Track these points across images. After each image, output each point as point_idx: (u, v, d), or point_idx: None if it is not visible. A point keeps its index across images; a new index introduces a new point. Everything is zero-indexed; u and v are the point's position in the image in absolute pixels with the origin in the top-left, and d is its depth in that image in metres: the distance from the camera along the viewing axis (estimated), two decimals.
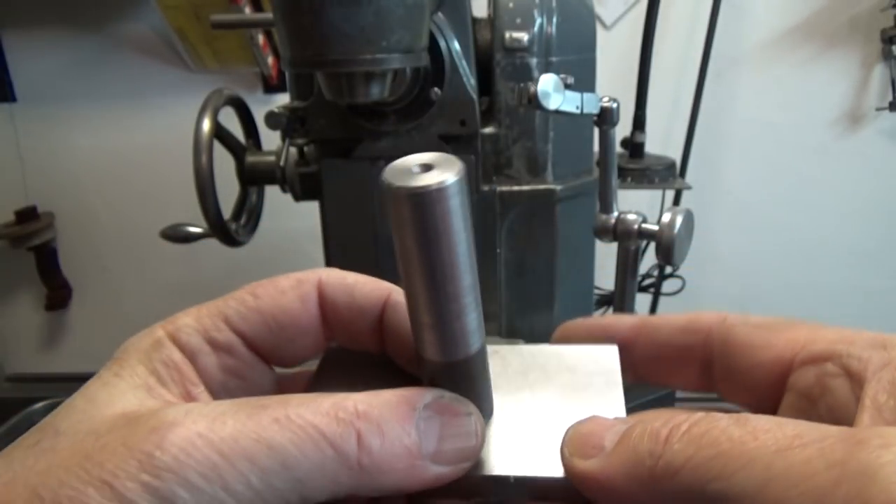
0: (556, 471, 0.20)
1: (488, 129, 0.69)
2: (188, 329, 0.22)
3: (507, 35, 0.67)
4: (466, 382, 0.21)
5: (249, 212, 0.78)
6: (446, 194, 0.17)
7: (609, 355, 0.24)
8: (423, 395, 0.20)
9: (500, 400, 0.22)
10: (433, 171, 0.18)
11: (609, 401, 0.23)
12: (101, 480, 0.16)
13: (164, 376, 0.21)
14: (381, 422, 0.19)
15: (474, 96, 0.65)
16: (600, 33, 0.74)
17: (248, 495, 0.17)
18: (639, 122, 1.08)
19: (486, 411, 0.22)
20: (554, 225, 0.72)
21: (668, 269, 1.27)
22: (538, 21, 0.67)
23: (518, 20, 0.67)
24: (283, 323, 0.23)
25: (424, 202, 0.17)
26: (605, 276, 0.76)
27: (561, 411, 0.22)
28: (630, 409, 0.52)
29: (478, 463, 0.20)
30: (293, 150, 0.72)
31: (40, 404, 0.67)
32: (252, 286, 0.23)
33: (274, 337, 0.23)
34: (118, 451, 0.17)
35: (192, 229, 0.74)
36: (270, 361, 0.24)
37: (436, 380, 0.21)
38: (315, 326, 0.23)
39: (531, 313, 0.76)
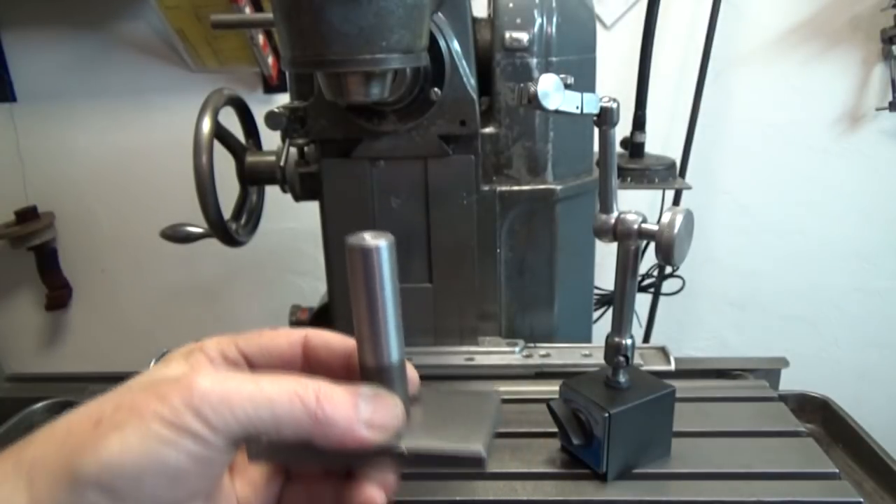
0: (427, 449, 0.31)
1: (488, 129, 0.69)
2: (211, 346, 0.32)
3: (507, 35, 0.67)
4: (389, 384, 0.31)
5: (249, 212, 0.78)
6: (379, 249, 0.30)
7: (493, 399, 0.35)
8: (364, 387, 0.30)
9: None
10: (376, 239, 0.30)
11: (476, 427, 0.32)
12: (155, 392, 0.26)
13: (196, 366, 0.31)
14: (334, 394, 0.29)
15: (474, 96, 0.65)
16: (600, 33, 0.74)
17: (243, 420, 0.26)
18: (639, 122, 1.08)
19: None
20: (554, 225, 0.73)
21: (668, 269, 1.27)
22: (538, 21, 0.67)
23: (518, 20, 0.67)
24: (273, 353, 0.33)
25: (365, 252, 0.30)
26: (605, 276, 0.76)
27: (439, 427, 0.32)
28: (633, 408, 0.52)
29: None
30: (293, 150, 0.72)
31: (40, 404, 0.67)
32: (260, 330, 0.34)
33: (266, 361, 0.33)
34: (171, 380, 0.27)
35: (192, 229, 0.74)
36: None
37: (369, 380, 0.31)
38: (296, 360, 0.33)
39: (531, 313, 0.76)
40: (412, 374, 0.33)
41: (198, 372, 0.28)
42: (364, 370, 0.31)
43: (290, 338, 0.33)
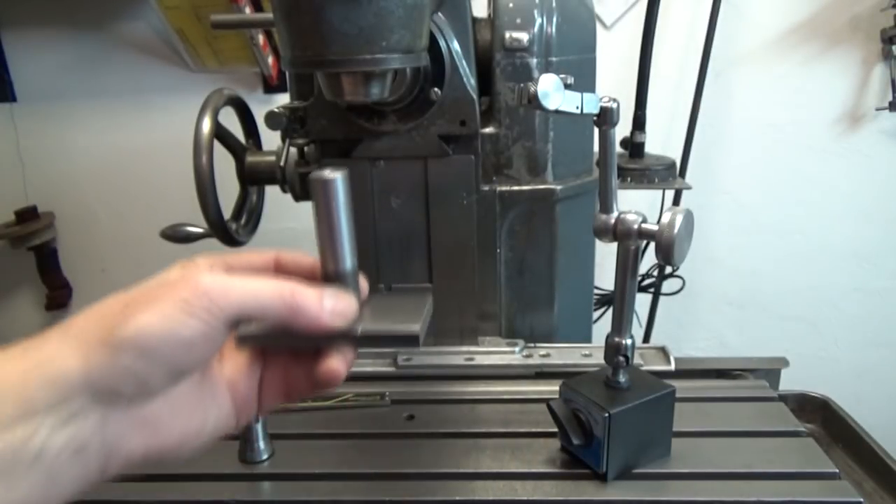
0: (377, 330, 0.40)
1: (488, 129, 0.69)
2: (201, 260, 0.39)
3: (507, 35, 0.67)
4: (346, 285, 0.40)
5: (249, 212, 0.78)
6: (336, 180, 0.38)
7: (426, 295, 0.46)
8: (328, 287, 0.38)
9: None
10: (333, 173, 0.38)
11: (413, 315, 0.43)
12: (167, 286, 0.34)
13: (191, 273, 0.38)
14: (305, 290, 0.37)
15: (474, 96, 0.65)
16: (600, 33, 0.74)
17: (237, 306, 0.34)
18: (639, 122, 1.08)
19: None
20: (554, 225, 0.73)
21: (668, 269, 1.27)
22: (538, 21, 0.67)
23: (518, 20, 0.67)
24: (250, 266, 0.41)
25: (325, 182, 0.38)
26: (605, 276, 0.76)
27: (384, 316, 0.43)
28: (633, 408, 0.53)
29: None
30: (293, 150, 0.72)
31: None
32: (241, 251, 0.41)
33: (244, 272, 0.40)
34: (176, 279, 0.35)
35: (192, 229, 0.74)
36: None
37: (329, 283, 0.40)
38: (269, 273, 0.41)
39: (531, 313, 0.76)
40: (363, 282, 0.42)
41: (198, 273, 0.37)
42: (325, 276, 0.40)
43: (264, 256, 0.42)
